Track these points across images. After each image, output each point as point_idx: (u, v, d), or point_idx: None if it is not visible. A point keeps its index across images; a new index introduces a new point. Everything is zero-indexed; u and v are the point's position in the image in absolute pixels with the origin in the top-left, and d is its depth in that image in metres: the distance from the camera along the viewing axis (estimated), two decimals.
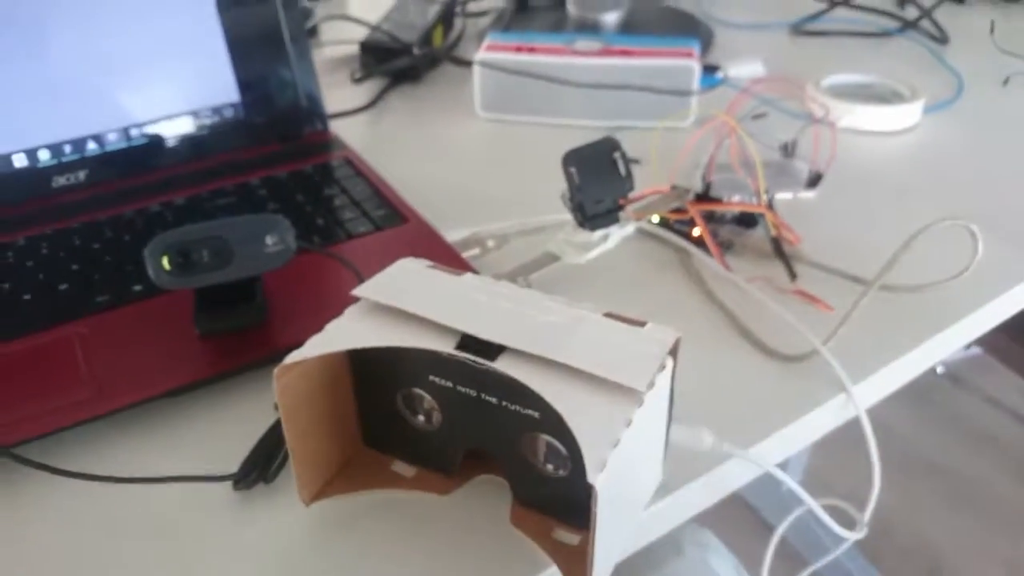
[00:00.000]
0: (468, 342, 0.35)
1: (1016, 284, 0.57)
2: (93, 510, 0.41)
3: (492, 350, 0.35)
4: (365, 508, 0.41)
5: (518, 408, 0.37)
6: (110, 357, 0.48)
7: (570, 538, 0.38)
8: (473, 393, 0.38)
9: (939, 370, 1.83)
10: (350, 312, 0.39)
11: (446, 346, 0.35)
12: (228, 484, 0.42)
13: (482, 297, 0.38)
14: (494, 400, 0.38)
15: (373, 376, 0.41)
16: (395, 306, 0.37)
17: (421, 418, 0.41)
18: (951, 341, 0.55)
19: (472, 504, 0.41)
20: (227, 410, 0.47)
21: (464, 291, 0.38)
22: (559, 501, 0.39)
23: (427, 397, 0.40)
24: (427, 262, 0.42)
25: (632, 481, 0.36)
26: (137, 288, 0.53)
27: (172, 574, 0.38)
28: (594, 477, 0.30)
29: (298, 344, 0.36)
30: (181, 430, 0.46)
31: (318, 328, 0.38)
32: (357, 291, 0.39)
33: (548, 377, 0.34)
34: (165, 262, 0.46)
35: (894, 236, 0.54)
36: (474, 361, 0.35)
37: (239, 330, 0.49)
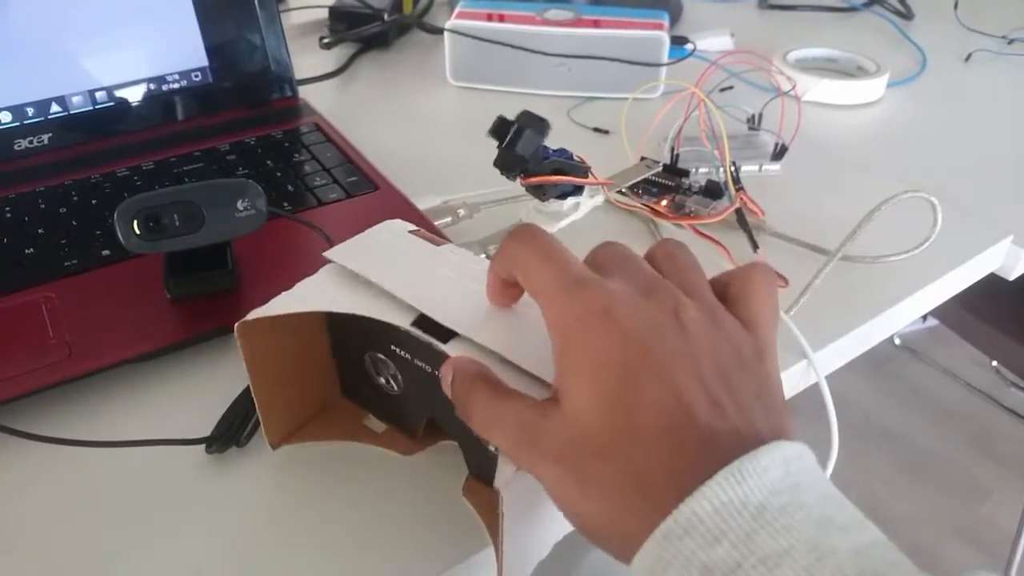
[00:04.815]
0: (425, 322, 0.35)
1: (972, 256, 0.59)
2: (64, 474, 0.41)
3: (445, 333, 0.35)
4: (337, 474, 0.42)
5: None
6: (80, 321, 0.47)
7: None
8: (428, 369, 0.38)
9: (897, 341, 1.87)
10: (325, 272, 0.39)
11: (403, 322, 0.35)
12: (200, 447, 0.42)
13: (451, 274, 0.37)
14: None
15: (345, 334, 0.42)
16: (360, 275, 0.37)
17: (383, 380, 0.41)
18: (910, 311, 0.56)
19: (434, 471, 0.42)
20: (198, 374, 0.47)
21: (435, 266, 0.38)
22: None
23: (390, 363, 0.40)
24: (410, 227, 0.42)
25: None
26: (105, 253, 0.53)
27: (144, 538, 0.39)
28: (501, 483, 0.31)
29: None
30: (153, 394, 0.46)
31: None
32: (329, 253, 0.39)
33: (494, 367, 0.33)
34: (136, 226, 0.46)
35: (856, 208, 0.55)
36: (428, 343, 0.35)
37: (210, 295, 0.49)
